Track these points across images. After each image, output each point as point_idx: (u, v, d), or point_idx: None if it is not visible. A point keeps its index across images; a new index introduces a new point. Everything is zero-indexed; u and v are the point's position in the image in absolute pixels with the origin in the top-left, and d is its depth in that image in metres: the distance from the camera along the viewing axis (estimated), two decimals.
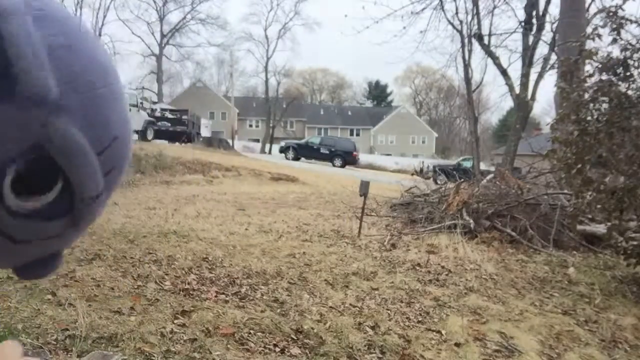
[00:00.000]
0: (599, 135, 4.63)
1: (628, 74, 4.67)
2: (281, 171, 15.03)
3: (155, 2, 47.91)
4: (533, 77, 13.41)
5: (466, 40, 14.45)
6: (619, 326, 3.83)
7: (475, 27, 14.11)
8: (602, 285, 4.68)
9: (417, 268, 4.85)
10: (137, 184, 9.52)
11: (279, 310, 3.41)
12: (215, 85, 59.14)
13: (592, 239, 6.24)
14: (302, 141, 31.11)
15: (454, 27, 14.78)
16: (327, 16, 75.70)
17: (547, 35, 13.73)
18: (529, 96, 13.32)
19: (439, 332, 3.42)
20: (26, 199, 0.38)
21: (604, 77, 4.78)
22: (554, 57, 12.61)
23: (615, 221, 4.84)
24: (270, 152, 38.26)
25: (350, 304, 3.71)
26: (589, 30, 5.28)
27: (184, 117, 22.67)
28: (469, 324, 3.60)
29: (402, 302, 3.90)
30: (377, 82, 66.79)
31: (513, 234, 6.20)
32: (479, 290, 4.36)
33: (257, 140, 47.83)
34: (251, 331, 3.02)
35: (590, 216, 6.37)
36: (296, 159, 26.89)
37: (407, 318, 3.59)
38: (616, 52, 4.74)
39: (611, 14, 4.72)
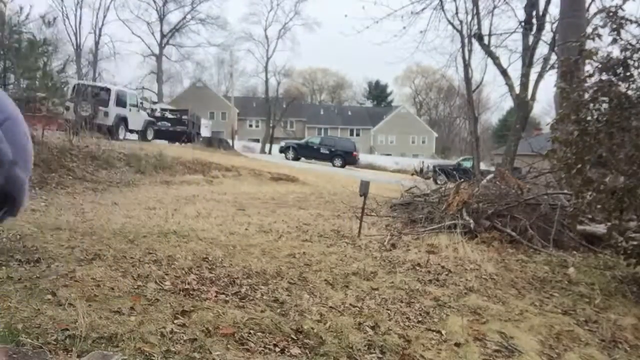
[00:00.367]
0: (599, 135, 4.63)
1: (628, 74, 4.67)
2: (281, 171, 15.03)
3: (155, 2, 48.03)
4: (533, 77, 13.40)
5: (466, 40, 14.42)
6: (619, 326, 3.83)
7: (475, 27, 14.08)
8: (602, 285, 4.68)
9: (417, 268, 4.84)
10: (137, 184, 9.53)
11: (279, 310, 3.41)
12: (215, 85, 59.22)
13: (592, 239, 6.24)
14: (302, 141, 31.15)
15: (454, 27, 14.77)
16: (327, 16, 75.46)
17: (547, 35, 13.71)
18: (529, 96, 13.30)
19: (439, 332, 3.42)
20: None
21: (604, 77, 4.78)
22: (554, 57, 12.59)
23: (615, 221, 4.84)
24: (270, 152, 38.26)
25: (350, 304, 3.71)
26: (589, 30, 5.29)
27: (184, 117, 22.69)
28: (469, 324, 3.60)
29: (402, 302, 3.90)
30: (377, 82, 66.79)
31: (513, 234, 6.19)
32: (479, 290, 4.36)
33: (257, 140, 47.80)
34: (251, 331, 3.02)
35: (590, 216, 6.36)
36: (296, 159, 26.91)
37: (407, 318, 3.59)
38: (616, 52, 4.75)
39: (611, 14, 4.72)
